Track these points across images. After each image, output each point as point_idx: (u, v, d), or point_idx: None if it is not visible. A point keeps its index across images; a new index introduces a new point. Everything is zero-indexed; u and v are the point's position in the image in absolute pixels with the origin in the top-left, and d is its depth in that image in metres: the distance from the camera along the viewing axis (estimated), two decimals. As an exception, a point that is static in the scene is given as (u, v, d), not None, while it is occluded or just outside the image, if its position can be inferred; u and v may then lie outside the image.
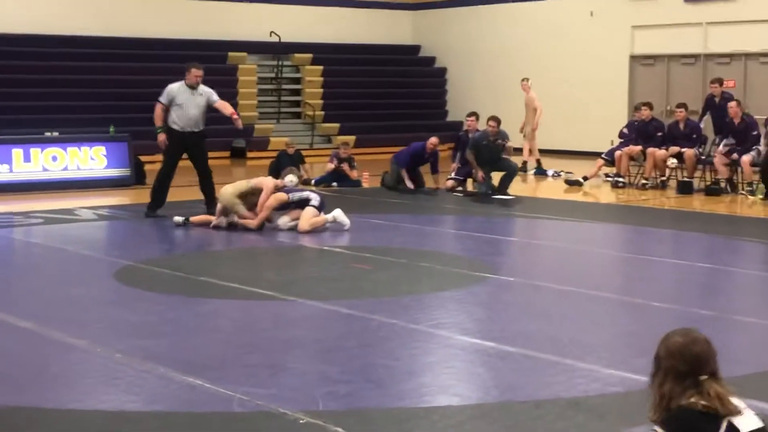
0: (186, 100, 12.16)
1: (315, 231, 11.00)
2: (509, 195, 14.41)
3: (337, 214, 11.20)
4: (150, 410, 5.19)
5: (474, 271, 8.92)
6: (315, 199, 11.23)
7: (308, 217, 11.03)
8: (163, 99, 12.36)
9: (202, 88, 12.30)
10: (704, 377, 3.18)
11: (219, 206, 11.32)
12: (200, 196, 12.51)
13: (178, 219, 11.41)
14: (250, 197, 11.24)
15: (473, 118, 15.87)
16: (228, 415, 5.09)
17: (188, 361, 5.97)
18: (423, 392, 5.50)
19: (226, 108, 12.41)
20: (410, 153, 15.51)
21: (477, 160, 14.70)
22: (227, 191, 11.24)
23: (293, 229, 11.03)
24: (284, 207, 11.19)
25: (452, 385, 5.63)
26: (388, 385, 5.58)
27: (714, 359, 3.23)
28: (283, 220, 11.19)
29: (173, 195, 13.05)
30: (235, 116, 12.34)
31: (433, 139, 15.40)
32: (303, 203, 11.13)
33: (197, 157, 12.48)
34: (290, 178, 11.51)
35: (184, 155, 12.53)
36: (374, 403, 5.28)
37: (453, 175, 15.56)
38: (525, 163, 18.34)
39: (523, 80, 19.10)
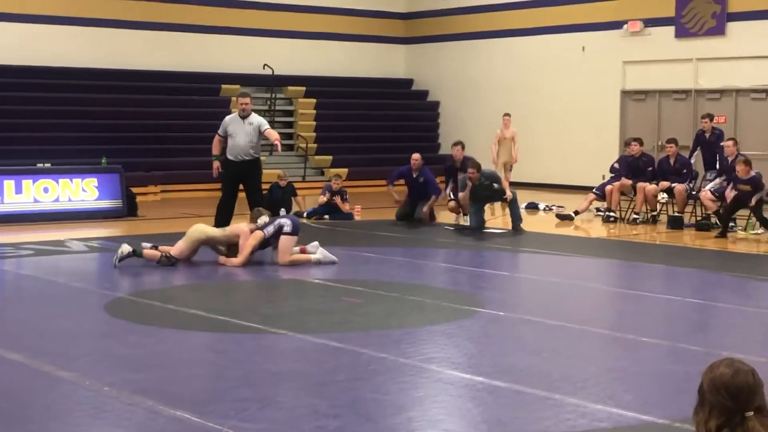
0: (236, 130, 12.75)
1: (302, 265, 11.00)
2: (521, 228, 14.51)
3: (321, 256, 11.16)
4: (138, 444, 5.18)
5: (464, 305, 8.93)
6: (287, 225, 11.13)
7: (286, 250, 11.01)
8: (219, 130, 12.98)
9: (253, 117, 12.89)
10: (749, 414, 2.94)
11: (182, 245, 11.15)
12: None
13: (126, 248, 10.82)
14: (225, 244, 11.24)
15: (459, 147, 15.88)
16: (216, 450, 5.08)
17: (177, 394, 5.96)
18: (412, 427, 5.50)
19: (272, 135, 12.87)
20: (399, 172, 15.82)
21: (472, 198, 14.73)
22: (200, 230, 11.14)
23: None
24: (264, 245, 11.18)
25: (441, 420, 5.62)
26: (378, 420, 5.57)
27: (761, 392, 2.98)
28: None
29: (164, 227, 13.07)
30: (277, 142, 12.74)
31: (415, 155, 15.58)
32: (279, 233, 11.11)
33: (249, 187, 12.93)
34: (262, 219, 11.37)
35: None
36: (363, 437, 5.27)
37: (452, 196, 15.59)
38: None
39: (505, 115, 19.20)
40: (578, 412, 5.68)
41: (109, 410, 5.65)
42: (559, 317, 8.38)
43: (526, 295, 10.16)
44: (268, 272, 10.81)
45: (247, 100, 12.94)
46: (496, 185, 14.82)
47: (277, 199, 15.86)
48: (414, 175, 15.64)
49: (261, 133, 12.83)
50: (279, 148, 12.90)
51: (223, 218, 12.58)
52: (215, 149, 13.10)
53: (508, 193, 14.74)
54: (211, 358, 7.10)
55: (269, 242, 11.16)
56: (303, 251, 11.23)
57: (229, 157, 12.85)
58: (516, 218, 14.68)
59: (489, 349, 7.43)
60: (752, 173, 13.91)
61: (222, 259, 11.12)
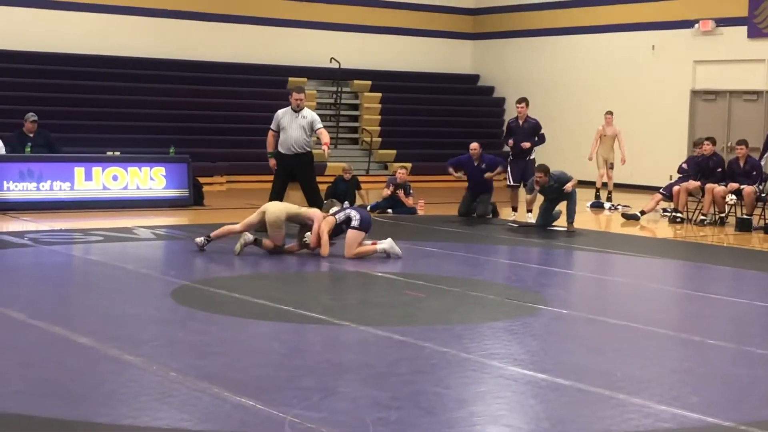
0: (289, 123, 12.83)
1: (367, 257, 11.01)
2: (573, 228, 14.21)
3: (388, 246, 11.14)
4: (202, 429, 5.23)
5: (527, 302, 8.90)
6: (356, 218, 11.10)
7: (353, 243, 11.02)
8: (272, 125, 13.04)
9: (306, 111, 12.99)
10: None
11: (254, 219, 11.28)
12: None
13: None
14: (295, 223, 11.34)
15: (523, 104, 15.64)
16: (279, 437, 5.13)
17: (241, 381, 6.02)
18: (473, 421, 5.49)
19: (324, 136, 12.93)
20: (458, 160, 15.92)
21: (543, 195, 14.56)
22: (278, 210, 11.23)
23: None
24: (337, 231, 11.20)
25: (503, 416, 5.61)
26: (439, 413, 5.57)
27: None
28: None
29: (229, 217, 13.19)
30: (326, 147, 12.85)
31: (473, 144, 15.54)
32: (348, 223, 11.14)
33: (302, 179, 12.99)
34: (334, 209, 11.43)
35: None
36: (424, 430, 5.28)
37: (511, 182, 15.52)
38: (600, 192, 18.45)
39: (607, 113, 18.84)
40: (642, 412, 5.64)
41: (176, 395, 5.73)
42: (623, 317, 8.31)
43: (590, 293, 10.08)
44: (332, 264, 10.86)
45: (302, 96, 12.96)
46: (565, 189, 14.29)
47: (341, 192, 15.93)
48: (475, 164, 15.58)
49: (314, 130, 12.86)
50: (327, 152, 12.91)
51: None
52: (270, 146, 13.06)
53: (567, 186, 14.32)
54: (275, 347, 7.16)
55: (341, 228, 11.16)
56: (374, 245, 11.20)
57: (281, 150, 12.84)
58: (570, 217, 14.37)
59: (552, 347, 7.39)
60: None
61: (313, 242, 11.15)
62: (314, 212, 11.22)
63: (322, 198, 13.12)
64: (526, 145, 15.23)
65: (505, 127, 16.25)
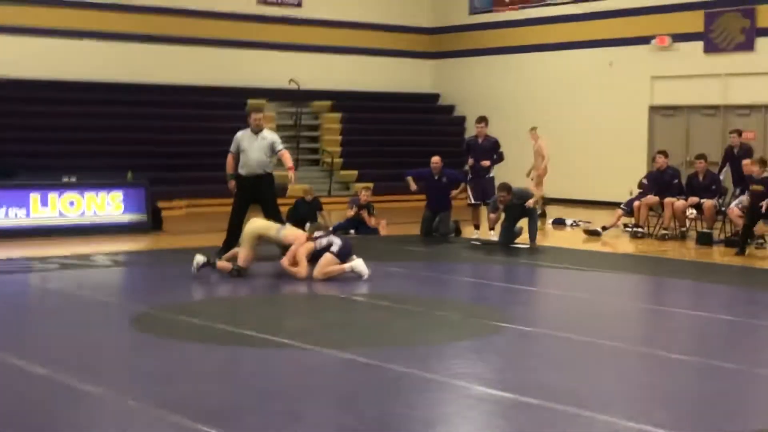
0: (249, 145, 12.63)
1: (332, 279, 10.93)
2: (535, 245, 14.23)
3: (356, 264, 11.09)
4: (163, 459, 5.13)
5: (492, 320, 8.84)
6: (336, 244, 11.11)
7: (323, 264, 10.97)
8: (231, 147, 12.80)
9: (266, 132, 12.80)
10: None
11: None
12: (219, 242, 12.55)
13: (200, 258, 11.08)
14: (276, 244, 11.27)
15: (482, 124, 15.68)
16: (241, 465, 5.02)
17: (202, 409, 5.91)
18: (440, 443, 5.43)
19: (287, 160, 12.78)
20: (418, 172, 15.89)
21: (505, 214, 14.53)
22: (254, 227, 11.18)
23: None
24: (315, 256, 11.10)
25: (469, 437, 5.55)
26: (405, 436, 5.50)
27: None
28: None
29: (189, 241, 13.06)
30: (291, 172, 12.71)
31: (435, 158, 15.50)
32: (328, 248, 11.08)
33: (264, 202, 12.74)
34: (319, 232, 11.38)
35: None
36: (390, 454, 5.21)
37: (472, 200, 15.55)
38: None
39: (531, 129, 19.18)
40: (609, 428, 5.60)
41: (135, 424, 5.61)
42: (588, 333, 8.28)
43: (554, 310, 10.05)
44: (294, 287, 10.76)
45: (261, 115, 12.85)
46: (527, 205, 14.36)
47: (303, 214, 15.81)
48: (435, 177, 15.55)
49: (275, 152, 12.68)
50: (292, 178, 12.76)
51: (231, 242, 12.18)
52: (230, 168, 12.77)
53: (529, 202, 14.39)
54: (238, 372, 7.05)
55: (318, 255, 11.07)
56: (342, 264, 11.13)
57: (242, 172, 12.61)
58: (532, 233, 14.39)
59: (517, 365, 7.34)
60: (766, 174, 13.84)
61: (285, 264, 11.06)
62: (295, 236, 11.14)
63: (284, 220, 12.99)
64: (486, 163, 15.31)
65: (464, 146, 16.25)
